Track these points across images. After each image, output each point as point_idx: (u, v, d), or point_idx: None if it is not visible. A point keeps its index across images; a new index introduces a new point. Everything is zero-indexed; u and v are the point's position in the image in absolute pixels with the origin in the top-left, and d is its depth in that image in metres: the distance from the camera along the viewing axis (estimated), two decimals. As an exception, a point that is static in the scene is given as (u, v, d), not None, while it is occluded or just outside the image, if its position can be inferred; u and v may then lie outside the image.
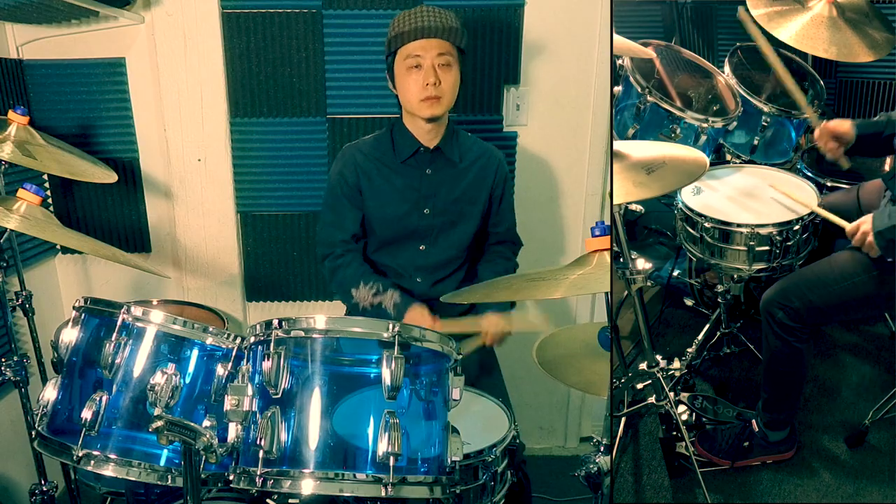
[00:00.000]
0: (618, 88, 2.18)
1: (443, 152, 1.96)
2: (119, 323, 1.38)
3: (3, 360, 1.90)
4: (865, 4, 2.12)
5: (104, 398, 1.35)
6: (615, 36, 2.06)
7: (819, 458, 2.06)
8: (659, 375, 1.90)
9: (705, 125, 2.11)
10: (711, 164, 2.04)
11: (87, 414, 1.33)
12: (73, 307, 1.48)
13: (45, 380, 2.11)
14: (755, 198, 2.05)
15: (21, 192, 1.76)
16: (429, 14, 1.82)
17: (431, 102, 1.84)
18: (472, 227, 2.02)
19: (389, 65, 1.89)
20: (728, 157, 2.30)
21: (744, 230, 1.91)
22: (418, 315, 1.84)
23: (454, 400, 1.34)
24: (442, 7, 1.86)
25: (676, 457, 2.01)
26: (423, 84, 1.82)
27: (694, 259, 2.09)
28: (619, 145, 1.73)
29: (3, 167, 1.95)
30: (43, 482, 1.98)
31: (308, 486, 1.22)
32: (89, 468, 1.34)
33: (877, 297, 1.82)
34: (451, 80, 1.85)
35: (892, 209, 1.78)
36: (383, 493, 1.22)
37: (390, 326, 1.26)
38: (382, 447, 1.21)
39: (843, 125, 2.01)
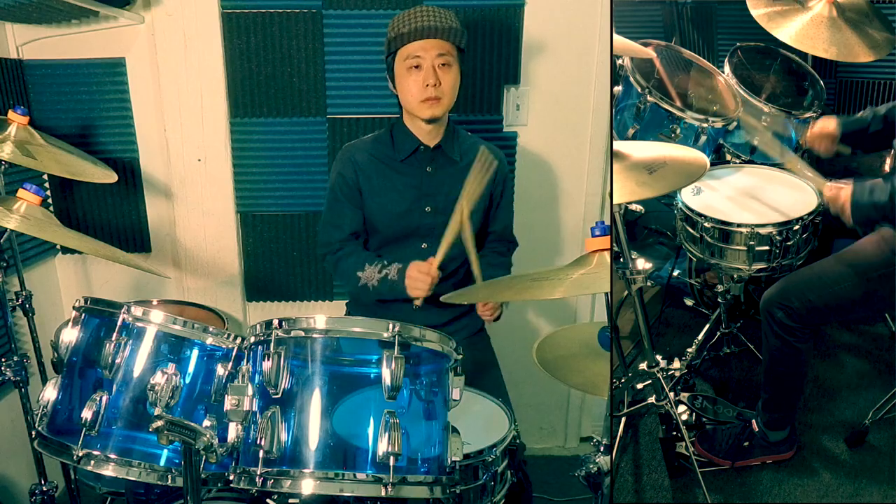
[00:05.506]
0: (618, 88, 2.18)
1: (443, 150, 1.97)
2: (119, 323, 1.38)
3: (3, 360, 1.90)
4: (865, 4, 2.11)
5: (104, 398, 1.35)
6: (615, 36, 2.06)
7: (819, 458, 2.06)
8: (659, 375, 1.90)
9: (705, 125, 2.11)
10: (711, 164, 2.04)
11: (87, 414, 1.33)
12: (74, 307, 1.48)
13: (45, 380, 2.11)
14: (755, 198, 2.05)
15: (21, 192, 1.76)
16: (428, 14, 1.81)
17: (432, 103, 1.84)
18: (474, 226, 2.02)
19: (389, 65, 1.89)
20: (728, 157, 2.30)
21: (744, 230, 1.91)
22: (417, 269, 1.84)
23: (454, 400, 1.35)
24: (442, 7, 1.86)
25: (676, 457, 2.00)
26: (423, 85, 1.82)
27: (694, 259, 2.09)
28: (619, 145, 1.73)
29: (3, 167, 1.95)
30: (43, 482, 1.98)
31: (308, 486, 1.22)
32: (89, 468, 1.34)
33: (876, 297, 1.82)
34: (450, 81, 1.85)
35: (873, 185, 1.72)
36: (383, 493, 1.22)
37: (390, 326, 1.26)
38: (382, 447, 1.21)
39: (828, 126, 2.05)
